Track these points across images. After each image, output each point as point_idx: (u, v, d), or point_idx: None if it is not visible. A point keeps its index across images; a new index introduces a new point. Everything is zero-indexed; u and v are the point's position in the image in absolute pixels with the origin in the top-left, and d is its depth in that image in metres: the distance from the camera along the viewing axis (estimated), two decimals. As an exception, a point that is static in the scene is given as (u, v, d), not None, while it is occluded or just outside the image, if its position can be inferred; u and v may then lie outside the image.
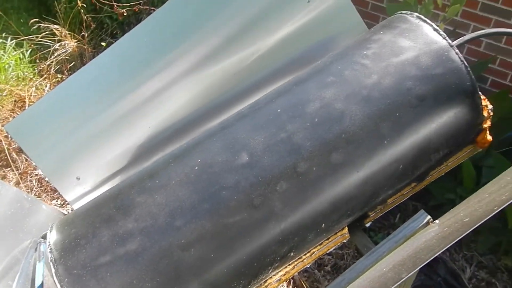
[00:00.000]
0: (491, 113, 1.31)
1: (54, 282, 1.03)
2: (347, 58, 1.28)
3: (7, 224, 1.38)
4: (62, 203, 2.93)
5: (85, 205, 1.23)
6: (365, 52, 1.26)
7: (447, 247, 0.86)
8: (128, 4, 4.06)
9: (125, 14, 4.04)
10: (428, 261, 0.82)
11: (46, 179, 3.07)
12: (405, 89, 1.19)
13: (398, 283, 0.76)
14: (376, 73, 1.21)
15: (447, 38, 1.23)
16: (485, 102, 1.29)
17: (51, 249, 1.09)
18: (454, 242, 0.85)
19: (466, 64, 1.21)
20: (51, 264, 1.06)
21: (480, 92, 1.26)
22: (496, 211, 0.82)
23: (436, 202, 3.11)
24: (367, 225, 1.34)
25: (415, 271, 0.84)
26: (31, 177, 3.07)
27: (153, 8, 4.04)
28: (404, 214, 3.25)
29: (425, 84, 1.20)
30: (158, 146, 1.57)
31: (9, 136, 3.28)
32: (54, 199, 2.98)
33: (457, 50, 1.21)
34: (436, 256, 2.53)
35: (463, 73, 1.20)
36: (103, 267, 1.03)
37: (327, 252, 1.29)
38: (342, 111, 1.17)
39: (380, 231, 3.07)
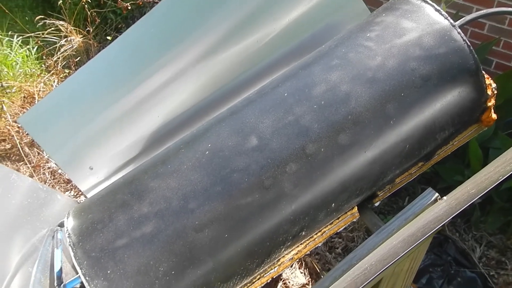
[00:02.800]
0: (495, 92, 1.32)
1: (74, 264, 1.06)
2: (351, 41, 1.30)
3: (24, 213, 1.42)
4: (75, 194, 2.97)
5: (100, 192, 1.27)
6: (368, 35, 1.28)
7: (454, 215, 0.89)
8: (132, -2, 4.08)
9: (129, 8, 4.05)
10: (437, 229, 0.84)
11: (59, 171, 3.11)
12: (409, 69, 1.21)
13: (407, 250, 0.78)
14: (380, 54, 1.23)
15: (449, 18, 1.24)
16: (488, 80, 1.30)
17: (69, 234, 1.13)
18: (461, 210, 0.87)
19: (469, 43, 1.22)
20: (70, 248, 1.10)
21: (483, 71, 1.27)
22: (501, 180, 0.84)
23: (445, 184, 3.11)
24: (376, 204, 1.36)
25: (423, 239, 0.86)
26: (44, 170, 3.12)
27: (156, 1, 4.06)
28: (413, 197, 3.25)
29: (429, 64, 1.21)
30: (169, 134, 1.60)
31: (20, 130, 3.32)
32: (67, 191, 3.03)
33: (459, 30, 1.23)
34: (446, 236, 2.52)
35: (466, 52, 1.22)
36: (121, 249, 1.07)
37: (338, 231, 1.31)
38: (347, 93, 1.19)
39: (389, 214, 3.09)
